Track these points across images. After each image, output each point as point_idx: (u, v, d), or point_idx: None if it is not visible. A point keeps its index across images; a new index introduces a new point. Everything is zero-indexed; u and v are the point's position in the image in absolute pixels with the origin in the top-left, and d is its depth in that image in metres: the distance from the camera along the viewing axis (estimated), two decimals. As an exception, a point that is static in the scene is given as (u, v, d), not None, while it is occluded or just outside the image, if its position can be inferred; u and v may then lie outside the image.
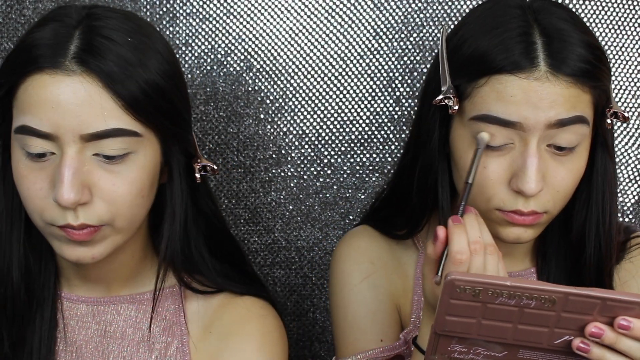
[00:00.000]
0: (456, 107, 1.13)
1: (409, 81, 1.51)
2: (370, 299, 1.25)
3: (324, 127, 1.51)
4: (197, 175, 1.14)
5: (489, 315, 0.97)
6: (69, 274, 1.17)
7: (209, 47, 1.49)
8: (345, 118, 1.51)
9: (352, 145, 1.52)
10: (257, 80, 1.50)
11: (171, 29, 1.48)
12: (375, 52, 1.50)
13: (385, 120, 1.52)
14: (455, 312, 0.97)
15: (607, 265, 1.21)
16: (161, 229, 1.14)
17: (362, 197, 1.53)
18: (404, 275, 1.27)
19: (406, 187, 1.25)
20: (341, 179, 1.53)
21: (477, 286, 0.95)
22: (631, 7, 1.49)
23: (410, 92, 1.51)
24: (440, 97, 1.14)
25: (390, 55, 1.50)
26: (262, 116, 1.50)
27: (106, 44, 1.05)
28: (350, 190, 1.53)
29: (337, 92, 1.51)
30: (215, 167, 1.14)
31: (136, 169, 1.06)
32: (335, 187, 1.53)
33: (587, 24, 1.47)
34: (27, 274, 1.14)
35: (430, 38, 1.50)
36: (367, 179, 1.53)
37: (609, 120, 1.15)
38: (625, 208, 1.53)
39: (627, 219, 1.53)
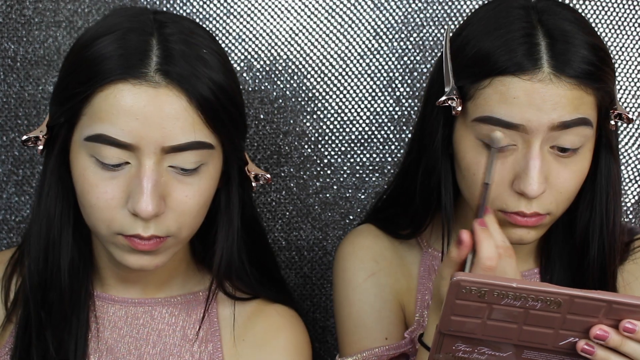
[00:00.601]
0: (459, 109, 1.13)
1: (409, 81, 1.51)
2: (375, 297, 1.25)
3: (324, 127, 1.51)
4: (254, 183, 1.15)
5: (495, 316, 0.97)
6: (106, 275, 1.17)
7: (209, 47, 1.49)
8: (345, 118, 1.51)
9: (352, 145, 1.52)
10: (257, 80, 1.50)
11: (171, 29, 1.48)
12: (375, 52, 1.50)
13: (385, 120, 1.52)
14: (460, 312, 0.97)
15: (610, 266, 1.20)
16: (214, 236, 1.14)
17: (362, 197, 1.53)
18: (408, 274, 1.27)
19: (409, 188, 1.25)
20: (341, 179, 1.53)
21: (483, 287, 0.95)
22: (631, 7, 1.49)
23: (410, 92, 1.51)
24: (444, 98, 1.13)
25: (390, 55, 1.50)
26: (262, 116, 1.50)
27: (182, 51, 1.05)
28: (350, 190, 1.53)
29: (337, 92, 1.51)
30: (269, 177, 1.16)
31: (206, 180, 1.07)
32: (335, 187, 1.53)
33: (588, 24, 1.48)
34: (76, 278, 1.14)
35: (430, 38, 1.50)
36: (367, 179, 1.53)
37: (612, 122, 1.15)
38: (625, 208, 1.53)
39: (627, 219, 1.53)
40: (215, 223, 1.15)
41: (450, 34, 1.19)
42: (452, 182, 1.19)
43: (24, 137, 1.09)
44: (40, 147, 1.09)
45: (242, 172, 1.15)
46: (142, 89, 1.03)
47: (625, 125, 1.50)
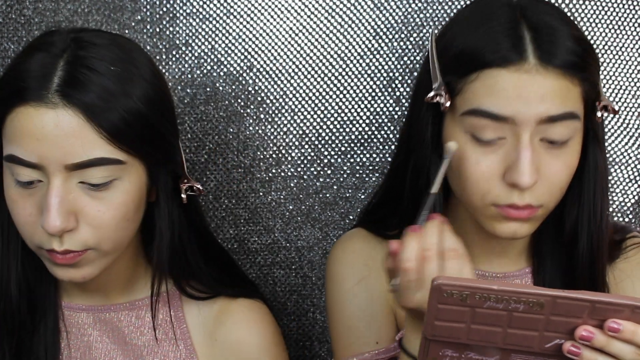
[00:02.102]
0: (447, 104, 1.13)
1: (409, 81, 1.51)
2: (365, 301, 1.25)
3: (324, 127, 1.51)
4: (184, 196, 1.16)
5: (478, 320, 0.97)
6: (67, 285, 1.20)
7: (209, 47, 1.49)
8: (345, 118, 1.51)
9: (352, 145, 1.52)
10: (257, 80, 1.50)
11: (171, 29, 1.48)
12: (375, 52, 1.50)
13: (385, 120, 1.52)
14: (443, 317, 0.97)
15: (599, 260, 1.21)
16: (152, 245, 1.16)
17: (362, 197, 1.53)
18: None
19: (398, 188, 1.25)
20: (341, 179, 1.53)
21: (464, 290, 0.95)
22: (631, 7, 1.49)
23: (410, 92, 1.51)
24: (432, 94, 1.14)
25: (390, 55, 1.50)
26: (262, 116, 1.50)
27: (89, 75, 1.06)
28: (350, 190, 1.53)
29: (337, 92, 1.51)
30: (200, 188, 1.17)
31: (121, 194, 1.08)
32: (335, 187, 1.53)
33: (587, 24, 1.49)
34: (27, 287, 1.16)
35: (430, 38, 1.50)
36: (367, 179, 1.53)
37: (599, 114, 1.15)
38: (625, 208, 1.52)
39: (627, 219, 1.53)
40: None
41: (436, 35, 1.20)
42: (446, 187, 1.19)
43: None
44: None
45: (176, 183, 1.16)
46: (41, 111, 1.05)
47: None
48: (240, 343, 1.20)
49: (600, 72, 1.19)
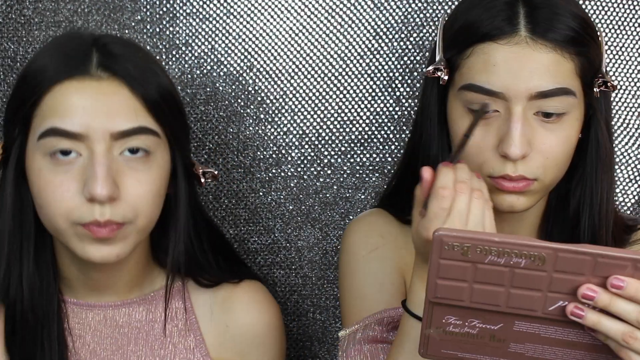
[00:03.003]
0: (446, 77, 1.18)
1: (409, 81, 1.51)
2: (377, 269, 1.27)
3: (324, 127, 1.51)
4: (203, 180, 1.22)
5: (480, 278, 0.96)
6: (76, 284, 1.21)
7: (209, 47, 1.49)
8: (345, 118, 1.51)
9: (352, 145, 1.52)
10: (257, 80, 1.50)
11: (171, 29, 1.48)
12: (375, 52, 1.50)
13: (385, 120, 1.52)
14: (445, 274, 0.97)
15: (601, 237, 1.21)
16: (167, 236, 1.20)
17: (362, 197, 1.53)
18: (414, 253, 1.28)
19: (413, 170, 1.25)
20: (341, 179, 1.53)
21: (465, 242, 0.95)
22: (631, 7, 1.49)
23: (410, 92, 1.51)
24: (431, 68, 1.19)
25: (390, 55, 1.50)
26: (262, 116, 1.50)
27: (123, 54, 1.14)
28: (350, 190, 1.53)
29: (337, 92, 1.51)
30: (215, 173, 1.23)
31: (156, 168, 1.13)
32: (335, 187, 1.53)
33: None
34: (37, 287, 1.17)
35: (430, 38, 1.50)
36: (367, 179, 1.53)
37: (596, 89, 1.17)
38: (625, 208, 1.53)
39: (627, 219, 1.53)
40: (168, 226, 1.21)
41: (445, 20, 1.24)
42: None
43: None
44: None
45: (188, 171, 1.21)
46: (86, 84, 1.11)
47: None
48: (251, 325, 1.24)
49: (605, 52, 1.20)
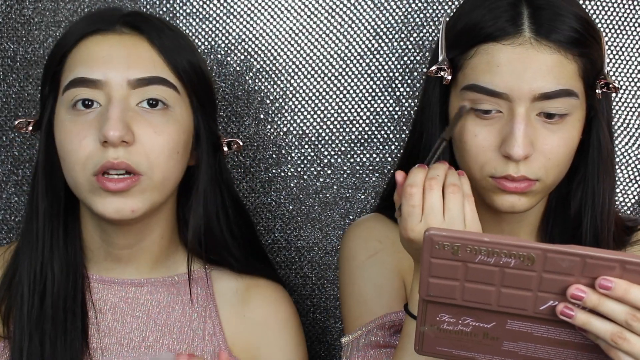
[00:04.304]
0: (449, 77, 1.18)
1: (409, 81, 1.51)
2: (377, 274, 1.27)
3: (324, 127, 1.51)
4: (226, 149, 1.24)
5: (471, 277, 0.97)
6: (99, 257, 1.22)
7: (209, 47, 1.49)
8: (345, 118, 1.51)
9: (352, 145, 1.52)
10: (257, 80, 1.50)
11: (171, 28, 1.48)
12: (375, 52, 1.50)
13: (385, 120, 1.52)
14: (437, 273, 0.97)
15: (604, 241, 1.22)
16: (189, 210, 1.22)
17: (362, 197, 1.53)
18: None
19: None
20: (341, 179, 1.53)
21: (455, 242, 0.95)
22: (631, 7, 1.50)
23: (410, 92, 1.51)
24: (434, 67, 1.19)
25: (390, 55, 1.50)
26: (262, 116, 1.50)
27: (151, 19, 1.20)
28: (350, 190, 1.53)
29: (337, 92, 1.51)
30: (240, 143, 1.25)
31: (173, 123, 1.15)
32: (335, 187, 1.53)
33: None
34: (63, 268, 1.19)
35: (430, 38, 1.50)
36: (367, 179, 1.53)
37: (598, 91, 1.17)
38: (625, 208, 1.53)
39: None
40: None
41: (448, 18, 1.24)
42: (452, 161, 1.21)
43: (17, 121, 1.20)
44: (30, 128, 1.20)
45: (214, 140, 1.23)
46: (109, 37, 1.16)
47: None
48: (267, 320, 1.25)
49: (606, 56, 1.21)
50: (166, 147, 1.13)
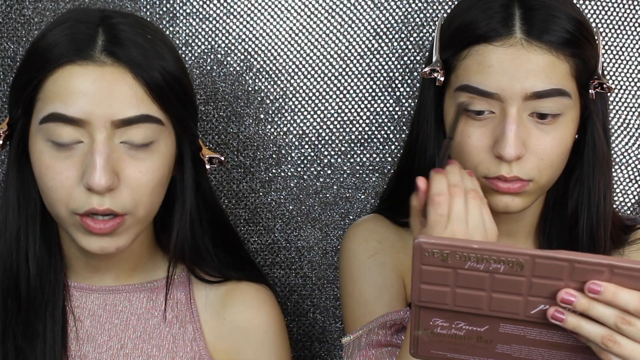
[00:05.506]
0: (442, 79, 1.19)
1: (409, 81, 1.51)
2: (377, 274, 1.28)
3: (324, 127, 1.51)
4: (208, 166, 1.20)
5: (462, 283, 0.97)
6: (77, 266, 1.20)
7: (209, 47, 1.49)
8: (345, 118, 1.51)
9: (352, 145, 1.52)
10: (257, 80, 1.50)
11: (171, 29, 1.48)
12: (375, 52, 1.50)
13: (385, 120, 1.52)
14: (428, 279, 0.98)
15: (600, 241, 1.22)
16: (171, 220, 1.19)
17: (362, 197, 1.53)
18: (411, 255, 1.28)
19: (410, 171, 1.26)
20: (341, 179, 1.53)
21: (444, 249, 0.96)
22: (631, 7, 1.49)
23: (410, 92, 1.51)
24: (427, 69, 1.19)
25: (390, 55, 1.50)
26: (262, 116, 1.50)
27: (129, 37, 1.11)
28: (350, 190, 1.53)
29: (337, 92, 1.51)
30: (222, 158, 1.20)
31: (158, 157, 1.11)
32: (335, 187, 1.53)
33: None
34: (42, 266, 1.17)
35: (430, 38, 1.50)
36: (367, 179, 1.53)
37: (592, 91, 1.18)
38: (625, 208, 1.53)
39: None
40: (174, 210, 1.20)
41: (443, 21, 1.24)
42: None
43: None
44: (0, 142, 1.14)
45: (195, 156, 1.19)
46: (89, 69, 1.08)
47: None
48: (248, 323, 1.22)
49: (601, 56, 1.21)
50: (151, 184, 1.11)
